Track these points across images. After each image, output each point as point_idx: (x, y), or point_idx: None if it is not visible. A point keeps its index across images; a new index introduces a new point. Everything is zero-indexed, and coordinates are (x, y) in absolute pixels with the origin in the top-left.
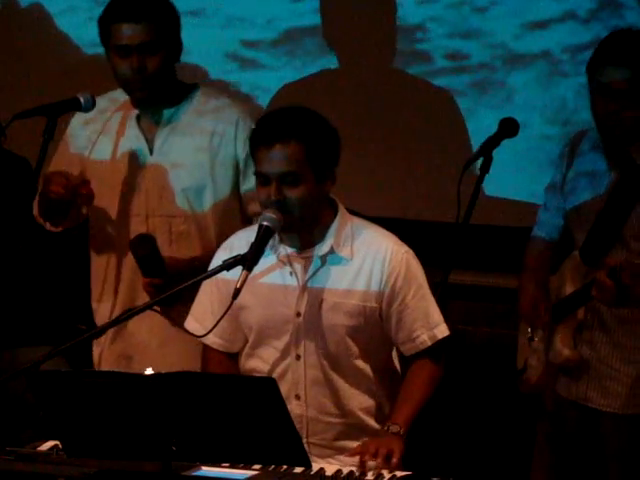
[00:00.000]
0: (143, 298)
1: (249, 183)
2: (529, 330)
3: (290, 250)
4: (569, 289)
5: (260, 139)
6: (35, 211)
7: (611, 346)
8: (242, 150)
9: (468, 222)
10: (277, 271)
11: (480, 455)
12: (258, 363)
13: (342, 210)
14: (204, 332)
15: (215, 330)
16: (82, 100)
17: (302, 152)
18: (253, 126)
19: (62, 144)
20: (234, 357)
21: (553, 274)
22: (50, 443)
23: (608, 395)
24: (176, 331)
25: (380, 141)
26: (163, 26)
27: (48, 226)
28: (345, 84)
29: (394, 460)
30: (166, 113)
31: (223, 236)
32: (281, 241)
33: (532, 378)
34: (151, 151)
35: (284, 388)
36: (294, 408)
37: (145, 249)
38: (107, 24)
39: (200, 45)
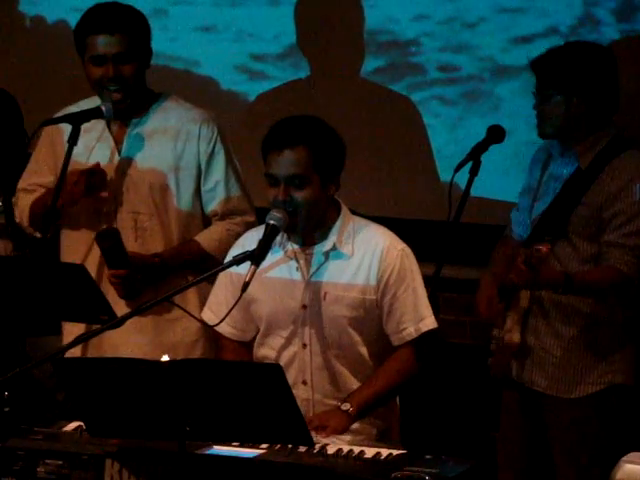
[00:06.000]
0: (112, 292)
1: (208, 184)
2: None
3: (296, 247)
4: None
5: (272, 143)
6: (26, 222)
7: (552, 335)
8: (204, 153)
9: (459, 221)
10: (285, 266)
11: (473, 434)
12: (268, 351)
13: (345, 210)
14: (216, 319)
15: (228, 320)
16: (104, 109)
17: (310, 157)
18: (215, 131)
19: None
20: (247, 345)
21: None
22: (74, 424)
23: (550, 379)
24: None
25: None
26: (136, 37)
27: (38, 234)
28: (316, 92)
29: (322, 434)
30: (134, 118)
31: (184, 234)
32: (289, 238)
33: (495, 363)
34: (119, 152)
35: (292, 374)
36: (301, 393)
37: (109, 241)
38: (83, 35)
39: (212, 58)
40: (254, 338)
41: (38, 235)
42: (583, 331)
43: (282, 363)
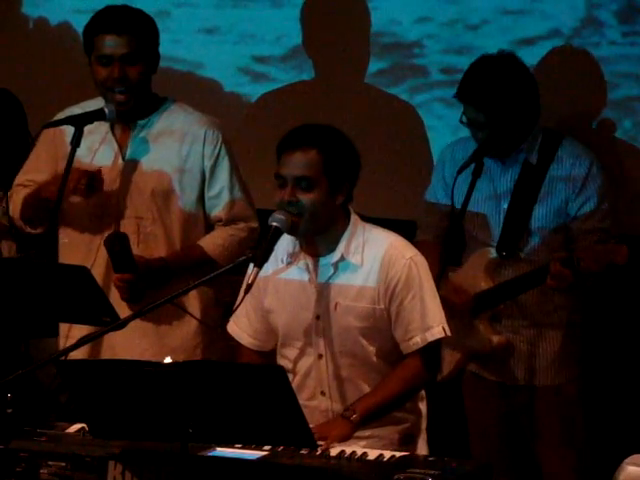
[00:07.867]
0: (115, 294)
1: (213, 190)
2: None
3: (308, 258)
4: (485, 284)
5: (285, 145)
6: (17, 215)
7: (532, 329)
8: (209, 159)
9: (461, 222)
10: (297, 278)
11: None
12: (285, 362)
13: (354, 219)
14: (239, 331)
15: (249, 331)
16: (107, 111)
17: (320, 161)
18: (220, 137)
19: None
20: (265, 355)
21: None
22: (77, 426)
23: (534, 371)
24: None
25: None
26: (143, 39)
27: (27, 229)
28: (320, 94)
29: (324, 444)
30: (139, 121)
31: (187, 238)
32: (301, 249)
33: (445, 369)
34: (123, 157)
35: (310, 385)
36: (320, 403)
37: (118, 246)
38: (91, 35)
39: (215, 60)
40: (275, 348)
41: (29, 229)
42: (551, 322)
43: (300, 374)
